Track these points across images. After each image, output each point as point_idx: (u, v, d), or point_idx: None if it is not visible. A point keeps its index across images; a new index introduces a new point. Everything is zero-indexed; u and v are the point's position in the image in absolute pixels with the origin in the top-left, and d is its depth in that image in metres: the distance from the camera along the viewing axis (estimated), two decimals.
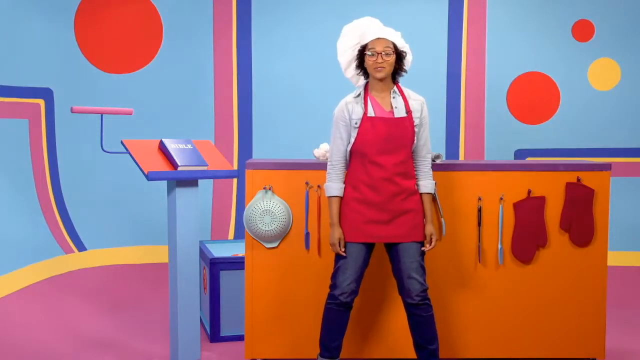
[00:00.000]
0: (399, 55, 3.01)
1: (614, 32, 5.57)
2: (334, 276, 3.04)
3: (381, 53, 2.93)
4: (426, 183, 3.09)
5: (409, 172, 3.03)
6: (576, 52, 5.60)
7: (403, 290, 3.01)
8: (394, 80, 3.07)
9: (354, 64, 3.12)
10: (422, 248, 3.05)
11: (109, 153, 3.49)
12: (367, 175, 2.98)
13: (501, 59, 5.62)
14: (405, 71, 3.09)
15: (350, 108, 3.02)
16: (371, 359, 3.48)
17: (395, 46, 2.98)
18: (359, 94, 3.05)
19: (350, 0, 5.54)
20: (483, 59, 5.62)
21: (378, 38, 2.96)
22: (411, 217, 3.00)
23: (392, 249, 3.04)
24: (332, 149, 3.06)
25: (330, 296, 3.04)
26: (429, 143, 3.13)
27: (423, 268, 3.02)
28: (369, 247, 3.06)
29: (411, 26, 5.47)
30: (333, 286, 3.03)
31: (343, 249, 3.01)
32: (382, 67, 2.94)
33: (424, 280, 3.01)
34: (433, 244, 3.08)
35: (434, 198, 3.23)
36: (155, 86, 5.49)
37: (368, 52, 2.96)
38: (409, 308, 3.02)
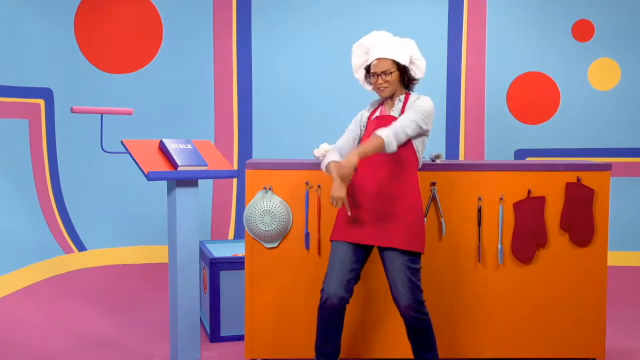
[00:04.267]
0: (403, 69, 3.01)
1: (614, 32, 5.57)
2: (323, 281, 2.97)
3: (380, 75, 2.96)
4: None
5: (402, 179, 2.94)
6: (576, 52, 5.61)
7: (395, 301, 2.92)
8: (408, 90, 3.08)
9: (367, 81, 3.17)
10: None
11: (109, 153, 3.48)
12: (359, 174, 2.97)
13: (501, 59, 5.63)
14: (417, 80, 3.09)
15: (368, 109, 3.14)
16: (371, 359, 3.48)
17: (397, 62, 2.98)
18: (367, 107, 3.16)
19: (350, 1, 5.55)
20: (483, 59, 5.63)
21: (378, 59, 2.98)
22: (395, 222, 2.89)
23: (381, 254, 2.96)
24: (340, 139, 3.12)
25: (320, 300, 2.96)
26: (411, 122, 2.86)
27: (411, 281, 2.86)
28: (357, 250, 2.96)
29: (411, 26, 5.49)
30: (322, 290, 2.95)
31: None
32: (384, 87, 2.99)
33: (413, 294, 2.85)
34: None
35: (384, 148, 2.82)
36: (155, 86, 5.49)
37: (371, 74, 3.01)
38: (403, 317, 2.93)
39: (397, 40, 3.04)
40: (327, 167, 2.98)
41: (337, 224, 3.02)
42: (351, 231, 2.95)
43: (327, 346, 2.97)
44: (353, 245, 2.95)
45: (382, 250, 2.93)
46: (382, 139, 2.78)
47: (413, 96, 3.04)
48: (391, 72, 2.97)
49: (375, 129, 2.95)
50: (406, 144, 2.94)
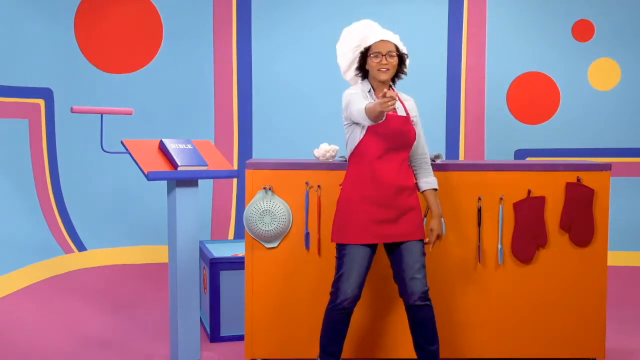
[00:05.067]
0: (401, 58, 3.04)
1: (614, 32, 5.57)
2: (337, 282, 2.97)
3: (385, 55, 2.95)
4: (430, 180, 3.14)
5: (410, 171, 3.06)
6: (576, 52, 5.60)
7: (405, 292, 2.97)
8: (392, 83, 3.10)
9: (354, 66, 3.13)
10: (426, 242, 3.06)
11: (109, 153, 3.48)
12: (372, 173, 2.94)
13: (501, 59, 5.63)
14: (405, 74, 3.11)
15: (366, 96, 3.00)
16: (371, 359, 3.48)
17: (397, 48, 3.00)
18: (370, 90, 3.05)
19: (350, 0, 5.55)
20: (483, 59, 5.62)
21: (382, 40, 2.98)
22: (415, 215, 3.00)
23: (394, 249, 3.00)
24: (355, 105, 2.86)
25: (332, 302, 2.98)
26: (424, 140, 3.17)
27: (425, 267, 3.00)
28: (374, 249, 3.02)
29: (411, 26, 5.49)
30: (335, 292, 2.96)
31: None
32: (387, 69, 2.96)
33: (426, 282, 2.98)
34: (434, 240, 3.09)
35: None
36: (155, 86, 5.49)
37: (372, 54, 2.97)
38: (411, 309, 2.98)
39: (387, 30, 3.08)
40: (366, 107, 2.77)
41: (351, 226, 2.96)
42: (374, 233, 2.95)
43: (334, 345, 3.02)
44: (368, 245, 2.98)
45: (400, 243, 2.98)
46: (436, 189, 3.15)
47: (402, 95, 3.11)
48: (395, 55, 2.98)
49: (399, 129, 2.94)
50: (413, 143, 3.03)
